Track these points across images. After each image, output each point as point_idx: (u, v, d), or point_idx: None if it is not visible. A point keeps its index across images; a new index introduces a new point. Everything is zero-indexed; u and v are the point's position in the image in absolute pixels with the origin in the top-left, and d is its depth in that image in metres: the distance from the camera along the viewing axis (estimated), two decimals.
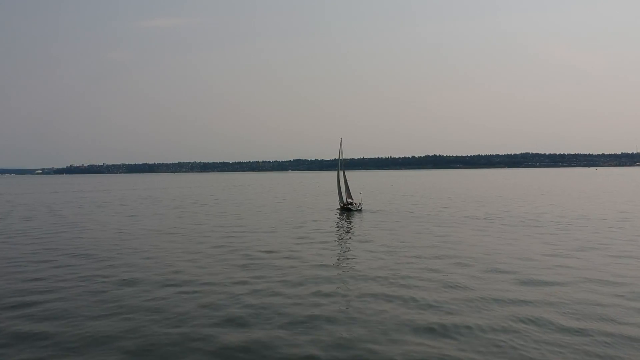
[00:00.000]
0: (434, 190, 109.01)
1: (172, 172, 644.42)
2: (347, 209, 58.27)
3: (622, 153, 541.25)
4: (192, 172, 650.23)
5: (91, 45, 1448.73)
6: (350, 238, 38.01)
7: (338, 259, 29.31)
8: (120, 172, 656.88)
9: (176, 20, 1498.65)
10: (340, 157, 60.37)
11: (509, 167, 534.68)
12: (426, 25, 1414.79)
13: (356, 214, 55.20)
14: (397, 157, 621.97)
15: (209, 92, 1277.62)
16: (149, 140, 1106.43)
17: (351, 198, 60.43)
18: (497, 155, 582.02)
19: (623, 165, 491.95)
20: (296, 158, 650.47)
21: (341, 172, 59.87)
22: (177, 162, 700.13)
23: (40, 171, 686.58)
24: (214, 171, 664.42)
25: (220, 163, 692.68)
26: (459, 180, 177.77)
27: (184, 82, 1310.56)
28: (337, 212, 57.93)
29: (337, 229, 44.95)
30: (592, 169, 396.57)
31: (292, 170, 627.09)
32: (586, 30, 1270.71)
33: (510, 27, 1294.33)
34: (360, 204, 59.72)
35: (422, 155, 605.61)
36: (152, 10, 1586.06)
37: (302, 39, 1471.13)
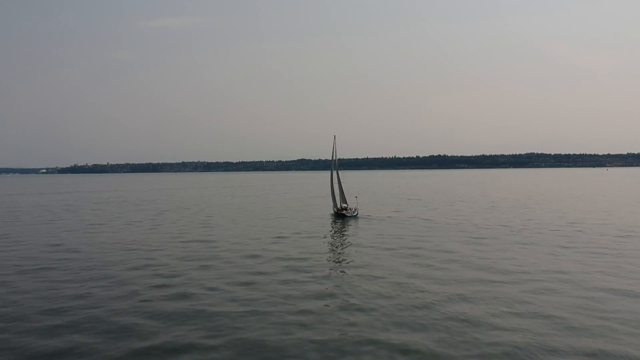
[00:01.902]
0: (441, 192, 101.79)
1: (175, 171, 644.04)
2: (341, 215, 52.91)
3: (628, 153, 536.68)
4: (196, 171, 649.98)
5: (95, 45, 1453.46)
6: (338, 260, 30.03)
7: (310, 304, 19.90)
8: (124, 172, 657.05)
9: (180, 20, 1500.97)
10: (334, 157, 55.03)
11: (514, 167, 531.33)
12: (432, 25, 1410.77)
13: (351, 222, 49.13)
14: (401, 157, 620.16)
15: (213, 92, 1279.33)
16: (153, 139, 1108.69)
17: (346, 202, 54.99)
18: (502, 156, 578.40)
19: (630, 166, 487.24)
20: (300, 158, 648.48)
21: (335, 173, 54.78)
22: (181, 161, 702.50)
23: (45, 170, 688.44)
24: (217, 171, 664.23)
25: (224, 163, 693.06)
26: (467, 181, 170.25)
27: (188, 82, 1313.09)
28: (329, 219, 52.44)
29: (325, 242, 37.46)
30: (603, 169, 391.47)
31: (296, 170, 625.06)
32: (591, 30, 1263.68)
33: (516, 27, 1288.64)
34: (356, 210, 54.17)
35: (426, 155, 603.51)
36: (157, 10, 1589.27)
37: (307, 39, 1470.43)
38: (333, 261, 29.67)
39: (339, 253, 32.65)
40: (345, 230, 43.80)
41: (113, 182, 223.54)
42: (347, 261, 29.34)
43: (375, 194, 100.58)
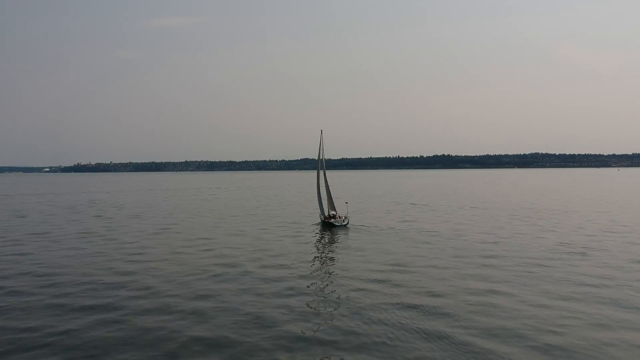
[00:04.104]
0: (449, 195, 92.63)
1: (177, 171, 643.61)
2: (329, 225, 45.70)
3: (633, 153, 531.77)
4: (199, 170, 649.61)
5: (99, 44, 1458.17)
6: (317, 289, 22.75)
7: None
8: (127, 171, 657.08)
9: (184, 19, 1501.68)
10: (321, 156, 47.49)
11: (518, 167, 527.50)
12: (436, 26, 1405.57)
13: (340, 233, 41.72)
14: (405, 156, 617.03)
15: (216, 91, 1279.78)
16: (157, 138, 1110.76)
17: (334, 209, 47.78)
18: (507, 155, 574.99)
19: (636, 166, 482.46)
20: (303, 157, 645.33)
21: (322, 174, 47.89)
22: (184, 160, 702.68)
23: (48, 169, 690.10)
24: (221, 170, 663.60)
25: (227, 162, 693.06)
26: (475, 182, 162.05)
27: (191, 81, 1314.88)
28: (314, 229, 45.02)
29: (305, 260, 29.63)
30: (610, 170, 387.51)
31: (300, 169, 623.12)
32: (595, 30, 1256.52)
33: (520, 28, 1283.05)
34: (346, 218, 46.71)
35: (430, 155, 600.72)
36: (160, 9, 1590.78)
37: (310, 38, 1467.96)
38: (310, 289, 23.26)
39: (319, 280, 25.47)
40: (331, 246, 36.15)
41: (99, 183, 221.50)
42: (327, 293, 22.26)
43: (376, 197, 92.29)
